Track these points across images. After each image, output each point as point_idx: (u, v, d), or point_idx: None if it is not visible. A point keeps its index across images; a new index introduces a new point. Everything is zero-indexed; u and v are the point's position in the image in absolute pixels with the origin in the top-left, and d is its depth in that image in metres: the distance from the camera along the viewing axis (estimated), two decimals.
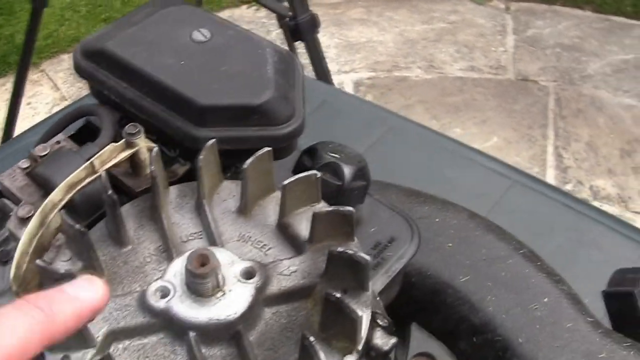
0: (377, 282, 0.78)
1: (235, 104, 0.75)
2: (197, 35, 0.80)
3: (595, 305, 0.90)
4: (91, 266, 0.64)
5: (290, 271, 0.65)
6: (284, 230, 0.69)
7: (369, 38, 3.65)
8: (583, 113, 3.30)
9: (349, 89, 3.33)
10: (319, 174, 0.68)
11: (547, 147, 3.13)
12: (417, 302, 0.88)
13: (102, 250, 0.68)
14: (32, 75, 3.31)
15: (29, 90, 3.17)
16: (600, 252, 1.21)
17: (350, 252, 0.61)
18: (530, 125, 3.22)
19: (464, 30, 3.75)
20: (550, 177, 2.99)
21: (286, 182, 0.67)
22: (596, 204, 2.90)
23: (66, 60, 3.49)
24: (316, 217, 0.65)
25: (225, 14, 3.76)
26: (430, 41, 3.66)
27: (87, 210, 0.73)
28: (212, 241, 0.68)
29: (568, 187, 2.95)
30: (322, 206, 0.71)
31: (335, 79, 3.33)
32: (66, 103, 3.25)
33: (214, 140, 0.69)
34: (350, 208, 0.65)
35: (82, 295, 0.51)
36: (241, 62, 0.79)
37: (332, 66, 3.38)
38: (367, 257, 0.61)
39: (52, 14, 3.63)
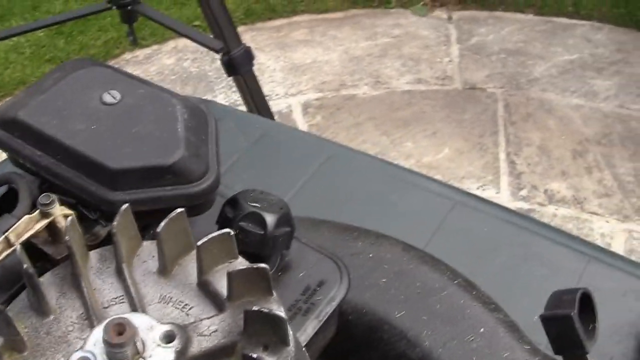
0: (309, 327, 0.78)
1: (147, 165, 0.75)
2: (107, 98, 0.80)
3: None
4: (12, 341, 0.64)
5: (210, 331, 0.65)
6: (205, 288, 0.69)
7: (314, 58, 3.66)
8: (532, 117, 3.33)
9: (297, 111, 3.34)
10: (232, 232, 0.68)
11: (499, 154, 3.15)
12: (354, 340, 0.88)
13: (24, 322, 0.67)
14: None
15: None
16: (545, 267, 1.21)
17: (266, 310, 0.61)
18: (480, 133, 3.24)
19: (409, 43, 3.76)
20: (504, 184, 3.00)
21: (200, 242, 0.67)
22: (552, 207, 2.92)
23: None
24: (231, 276, 0.65)
25: (169, 45, 3.76)
26: (375, 57, 3.67)
27: (8, 282, 0.72)
28: (133, 305, 0.68)
29: (523, 193, 2.97)
30: (239, 263, 0.70)
31: (283, 102, 3.35)
32: None
33: (127, 205, 0.69)
34: (264, 265, 0.65)
35: None
36: (152, 122, 0.79)
37: (278, 89, 3.40)
38: (284, 315, 0.61)
39: None
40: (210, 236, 0.67)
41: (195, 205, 0.76)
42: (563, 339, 0.87)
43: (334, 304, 0.80)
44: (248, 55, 2.17)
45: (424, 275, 0.91)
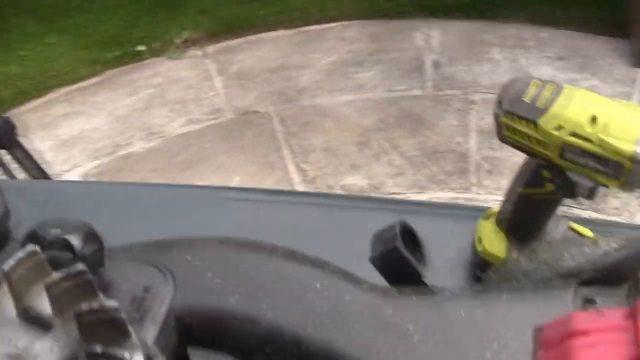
0: (149, 334, 0.75)
1: None
2: None
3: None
4: None
5: (46, 352, 0.61)
6: (26, 316, 0.65)
7: (80, 129, 3.59)
8: (310, 124, 3.37)
9: None
10: (36, 246, 0.65)
11: (288, 167, 3.17)
12: (201, 336, 0.86)
13: None
14: None
15: None
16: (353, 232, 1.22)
17: (96, 305, 0.58)
18: (265, 153, 3.26)
19: (171, 88, 3.75)
20: None
21: (5, 267, 0.63)
22: None
23: None
24: (50, 288, 0.61)
25: None
26: (141, 110, 3.64)
27: None
28: None
29: None
30: (54, 275, 0.67)
31: None
32: None
33: None
34: (79, 264, 0.62)
35: None
36: None
37: (53, 169, 3.32)
38: (115, 303, 0.58)
39: None
40: (14, 258, 0.63)
41: None
42: (398, 273, 0.87)
43: (166, 303, 0.78)
44: (10, 126, 2.10)
45: (246, 258, 0.90)
